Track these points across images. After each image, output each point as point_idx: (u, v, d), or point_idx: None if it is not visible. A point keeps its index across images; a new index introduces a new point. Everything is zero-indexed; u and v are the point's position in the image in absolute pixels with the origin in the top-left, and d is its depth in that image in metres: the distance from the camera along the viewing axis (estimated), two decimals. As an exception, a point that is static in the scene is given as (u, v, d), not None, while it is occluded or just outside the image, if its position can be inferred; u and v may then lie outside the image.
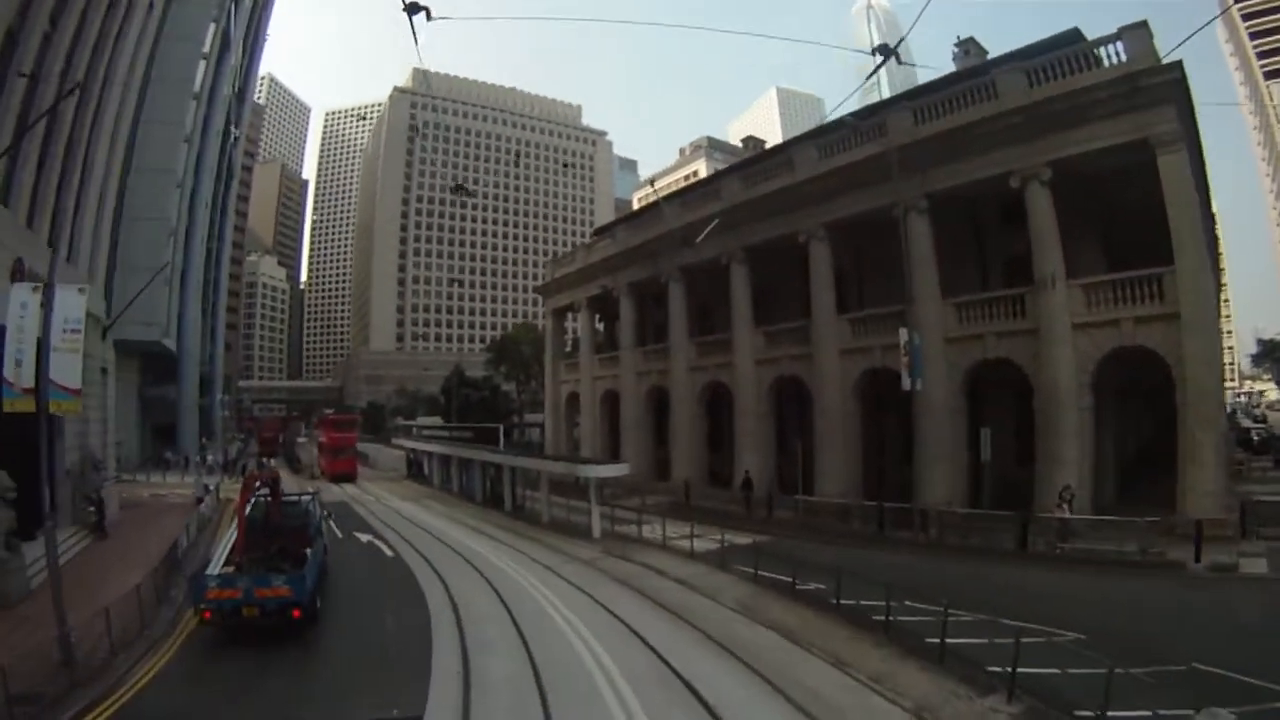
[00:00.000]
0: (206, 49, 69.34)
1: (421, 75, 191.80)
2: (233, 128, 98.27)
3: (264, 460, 67.86)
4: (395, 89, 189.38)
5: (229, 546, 18.46)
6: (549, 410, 61.98)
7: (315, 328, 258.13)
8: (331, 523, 29.47)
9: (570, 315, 61.39)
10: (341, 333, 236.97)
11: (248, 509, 19.02)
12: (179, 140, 64.75)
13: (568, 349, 68.11)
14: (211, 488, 41.11)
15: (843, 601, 17.31)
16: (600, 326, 60.57)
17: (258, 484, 20.45)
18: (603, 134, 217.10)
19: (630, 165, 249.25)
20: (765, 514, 33.56)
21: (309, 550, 18.62)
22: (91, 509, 29.24)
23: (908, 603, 15.75)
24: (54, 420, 29.72)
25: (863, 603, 17.00)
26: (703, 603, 19.08)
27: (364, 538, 30.19)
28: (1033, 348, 28.47)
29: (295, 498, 24.01)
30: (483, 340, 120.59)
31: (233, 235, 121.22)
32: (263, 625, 15.96)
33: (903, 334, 28.37)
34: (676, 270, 44.56)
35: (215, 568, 17.28)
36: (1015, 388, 30.98)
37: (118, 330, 57.55)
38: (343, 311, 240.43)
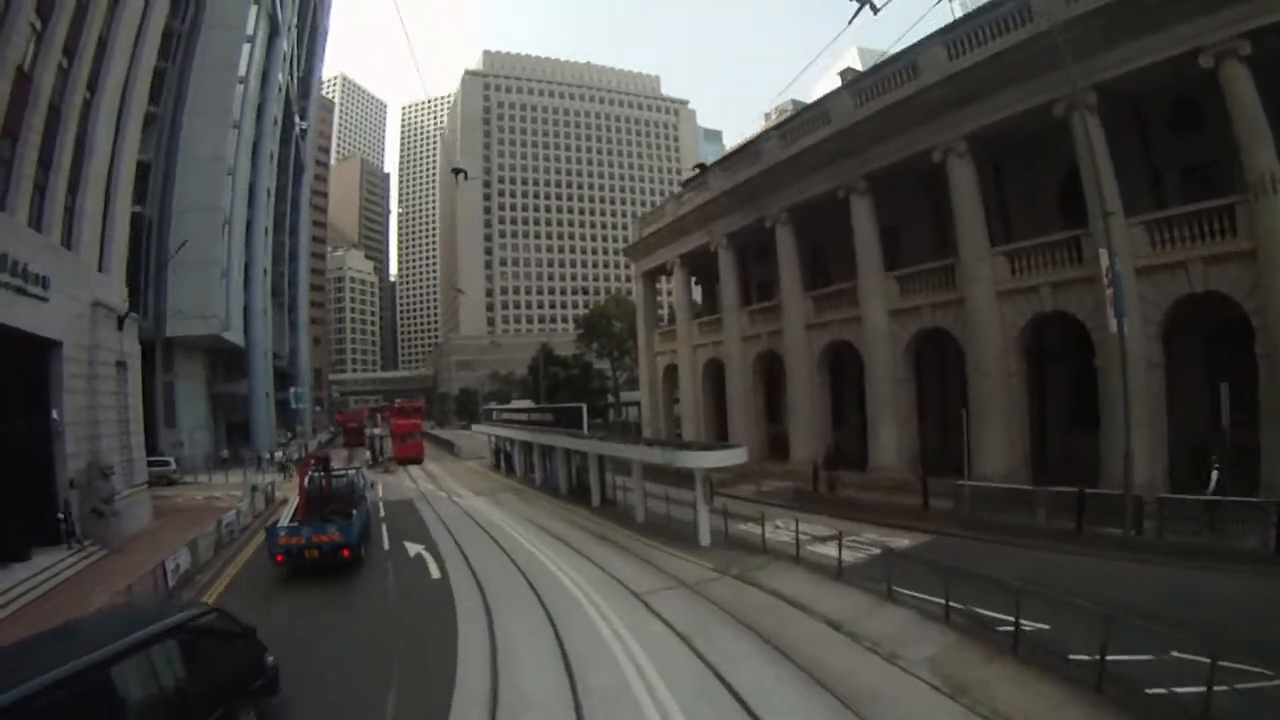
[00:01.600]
0: (250, 31, 65.18)
1: (492, 57, 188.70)
2: (297, 119, 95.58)
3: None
4: (466, 72, 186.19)
5: (293, 510, 23.47)
6: (644, 385, 55.17)
7: (409, 318, 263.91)
8: (384, 528, 27.84)
9: (663, 278, 54.89)
10: (434, 322, 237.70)
11: (306, 482, 24.61)
12: (227, 127, 60.78)
13: (662, 322, 60.97)
14: (261, 487, 36.68)
15: (1082, 659, 10.88)
16: (697, 290, 53.47)
17: (314, 462, 26.37)
18: (684, 103, 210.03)
19: (715, 136, 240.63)
20: (920, 505, 26.05)
21: (355, 511, 22.77)
22: (61, 518, 24.56)
23: (1174, 653, 10.18)
24: (48, 423, 25.47)
25: (1108, 656, 10.40)
26: (880, 670, 11.98)
27: (414, 549, 24.05)
28: (1251, 276, 21.00)
29: (343, 472, 29.53)
30: (575, 321, 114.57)
31: (310, 229, 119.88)
32: (321, 564, 20.36)
33: (1103, 257, 21.06)
34: (783, 212, 37.44)
35: (284, 522, 21.78)
36: (1208, 330, 24.35)
37: (173, 325, 54.96)
38: (434, 301, 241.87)
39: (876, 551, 19.43)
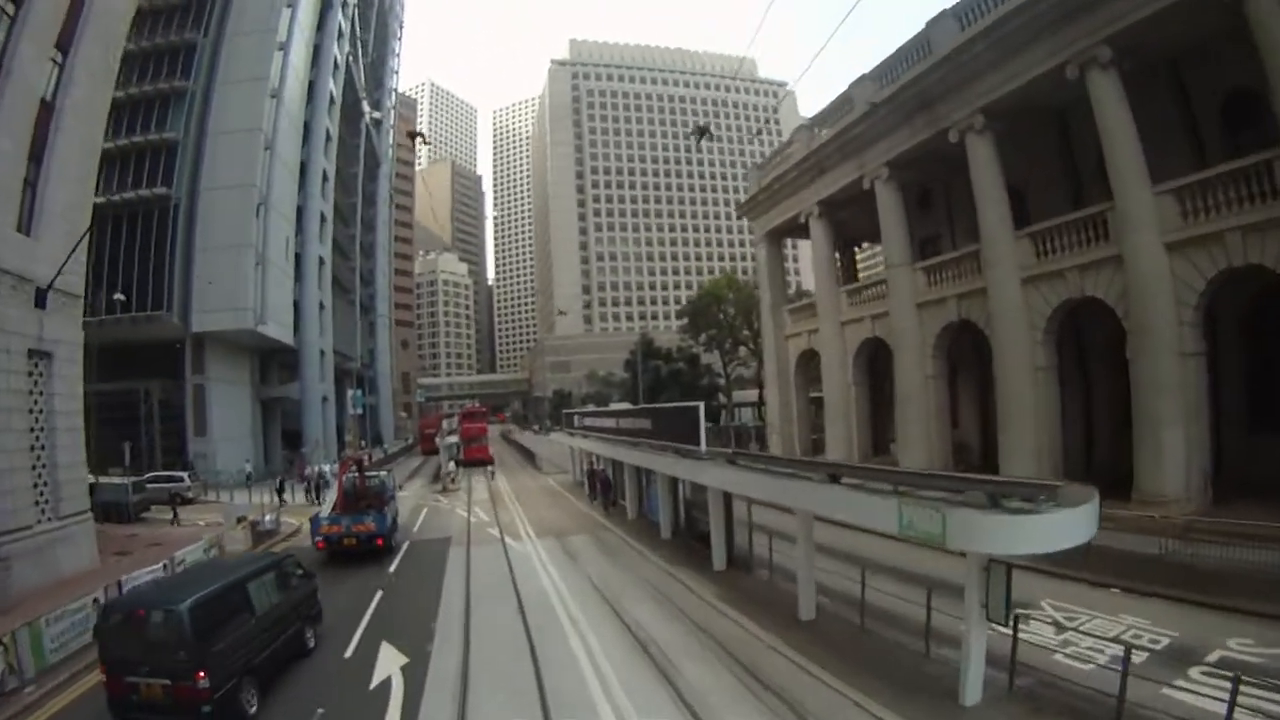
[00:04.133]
0: (290, -3, 57.48)
1: (579, 45, 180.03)
2: (367, 108, 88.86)
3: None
4: (553, 62, 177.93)
5: (332, 504, 25.76)
6: (771, 378, 42.55)
7: (506, 321, 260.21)
8: (372, 605, 17.79)
9: (791, 243, 43.25)
10: (532, 324, 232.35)
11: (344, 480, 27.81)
12: (263, 95, 52.55)
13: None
14: (256, 516, 29.12)
15: None
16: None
17: (352, 464, 29.49)
18: (783, 84, 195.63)
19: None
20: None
21: (386, 507, 25.45)
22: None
23: None
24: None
25: None
26: None
27: (387, 668, 13.04)
28: None
29: (376, 474, 31.73)
30: (678, 316, 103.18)
31: (393, 228, 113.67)
32: (357, 551, 23.10)
33: None
34: (977, 114, 25.29)
35: (325, 514, 24.40)
36: None
37: (200, 319, 46.54)
38: (532, 302, 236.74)
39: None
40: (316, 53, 65.83)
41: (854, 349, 33.85)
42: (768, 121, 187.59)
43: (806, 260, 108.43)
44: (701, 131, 20.56)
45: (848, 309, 34.55)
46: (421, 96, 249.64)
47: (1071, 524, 8.91)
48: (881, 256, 33.91)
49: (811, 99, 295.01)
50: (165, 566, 19.40)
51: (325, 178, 67.71)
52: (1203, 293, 19.94)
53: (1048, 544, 9.19)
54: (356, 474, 28.39)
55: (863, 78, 31.95)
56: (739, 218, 71.14)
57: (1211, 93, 22.42)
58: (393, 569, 22.08)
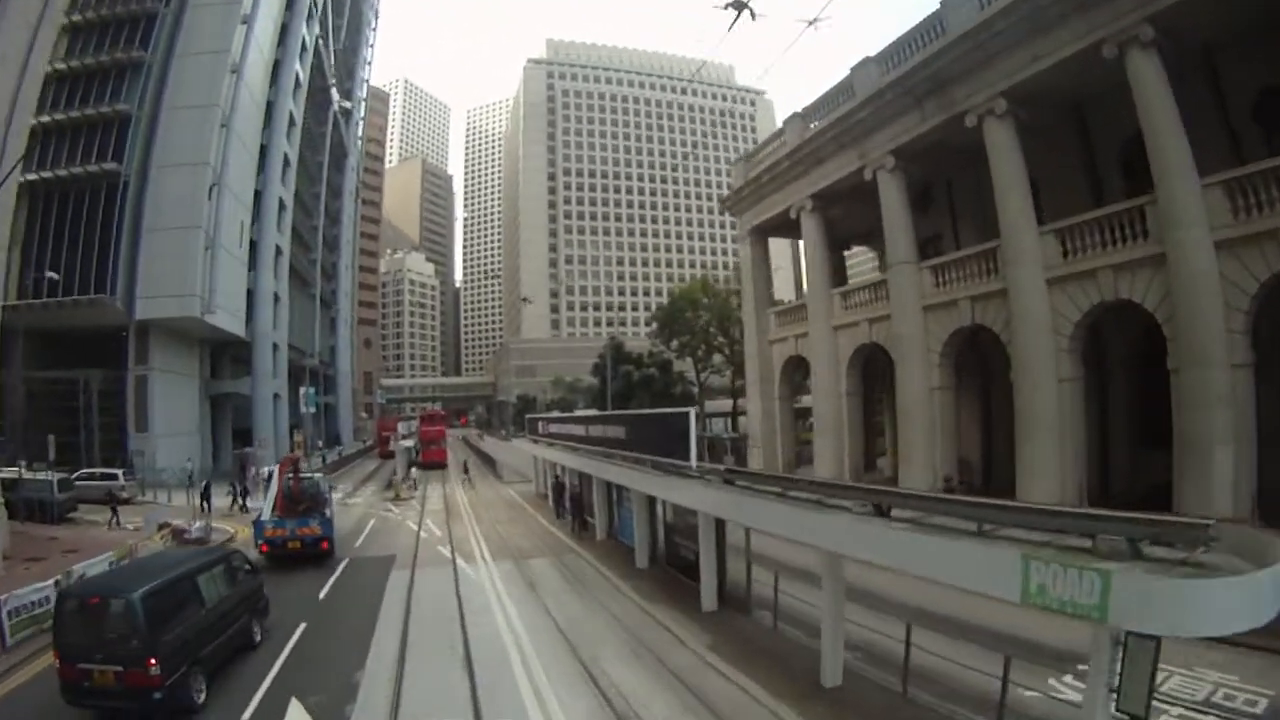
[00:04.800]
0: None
1: (555, 45, 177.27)
2: (336, 96, 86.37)
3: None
4: (529, 60, 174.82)
5: (272, 505, 24.72)
6: (753, 386, 39.21)
7: (473, 324, 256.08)
8: (290, 642, 14.95)
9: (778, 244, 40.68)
10: (499, 327, 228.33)
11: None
12: (223, 70, 49.45)
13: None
14: (190, 526, 27.04)
15: None
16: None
17: (290, 465, 27.39)
18: (760, 93, 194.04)
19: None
20: None
21: (326, 510, 25.15)
22: None
23: None
24: None
25: None
26: None
27: None
28: None
29: (311, 475, 29.37)
30: (647, 323, 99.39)
31: (359, 223, 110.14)
32: (301, 554, 22.83)
33: None
34: (998, 98, 22.86)
35: (265, 517, 23.88)
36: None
37: (145, 306, 43.83)
38: (499, 305, 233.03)
39: None
40: (284, 32, 62.81)
41: (848, 355, 31.05)
42: (743, 128, 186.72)
43: (782, 266, 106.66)
44: (741, 6, 17.54)
45: (841, 312, 31.71)
46: (395, 92, 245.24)
47: (1274, 590, 6.17)
48: (870, 262, 31.50)
49: (787, 110, 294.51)
50: (58, 583, 16.38)
51: (287, 163, 64.33)
52: (1254, 296, 17.62)
53: (1246, 619, 6.24)
54: (293, 476, 26.72)
55: (865, 60, 29.44)
56: (722, 213, 69.15)
57: (1246, 85, 20.23)
58: (323, 595, 19.02)
